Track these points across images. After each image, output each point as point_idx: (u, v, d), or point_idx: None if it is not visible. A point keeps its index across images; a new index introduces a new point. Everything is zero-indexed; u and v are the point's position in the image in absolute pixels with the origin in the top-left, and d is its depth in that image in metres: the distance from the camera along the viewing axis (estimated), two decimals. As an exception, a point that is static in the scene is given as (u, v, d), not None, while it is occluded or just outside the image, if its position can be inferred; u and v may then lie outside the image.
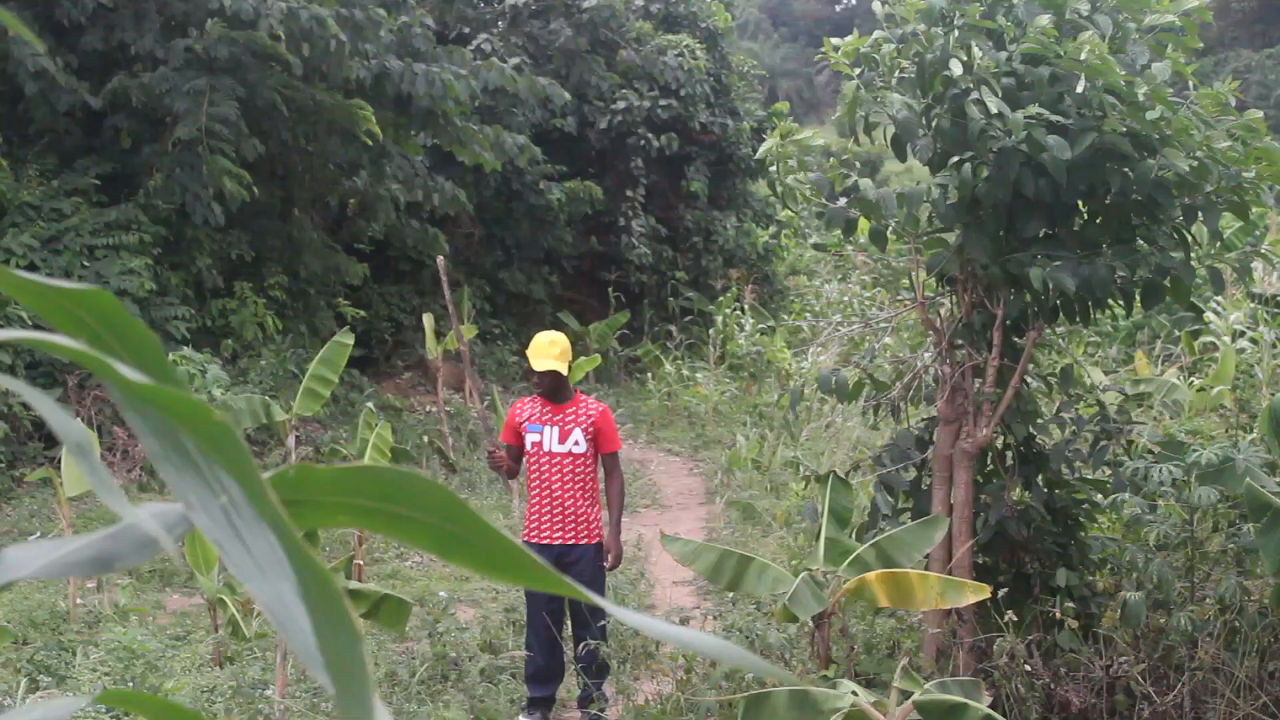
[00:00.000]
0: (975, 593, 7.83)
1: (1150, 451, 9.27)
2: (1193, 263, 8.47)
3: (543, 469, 9.75)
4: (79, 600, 12.83)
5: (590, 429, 9.80)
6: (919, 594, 7.96)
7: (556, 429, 9.76)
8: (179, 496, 1.29)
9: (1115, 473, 8.98)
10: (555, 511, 9.73)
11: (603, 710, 9.65)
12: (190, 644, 11.55)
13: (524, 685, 10.13)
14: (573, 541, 9.72)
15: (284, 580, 1.24)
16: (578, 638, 9.91)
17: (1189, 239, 8.52)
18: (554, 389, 9.77)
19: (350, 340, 15.17)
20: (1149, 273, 8.21)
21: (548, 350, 9.77)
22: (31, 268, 17.76)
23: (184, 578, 12.34)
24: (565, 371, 9.76)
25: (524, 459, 9.88)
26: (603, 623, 9.93)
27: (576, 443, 9.75)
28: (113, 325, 1.28)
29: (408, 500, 1.31)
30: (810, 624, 8.90)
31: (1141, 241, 8.42)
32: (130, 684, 10.08)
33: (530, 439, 9.79)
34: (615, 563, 9.80)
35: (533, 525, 9.79)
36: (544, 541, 9.67)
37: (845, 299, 25.53)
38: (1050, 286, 8.11)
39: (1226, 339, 17.45)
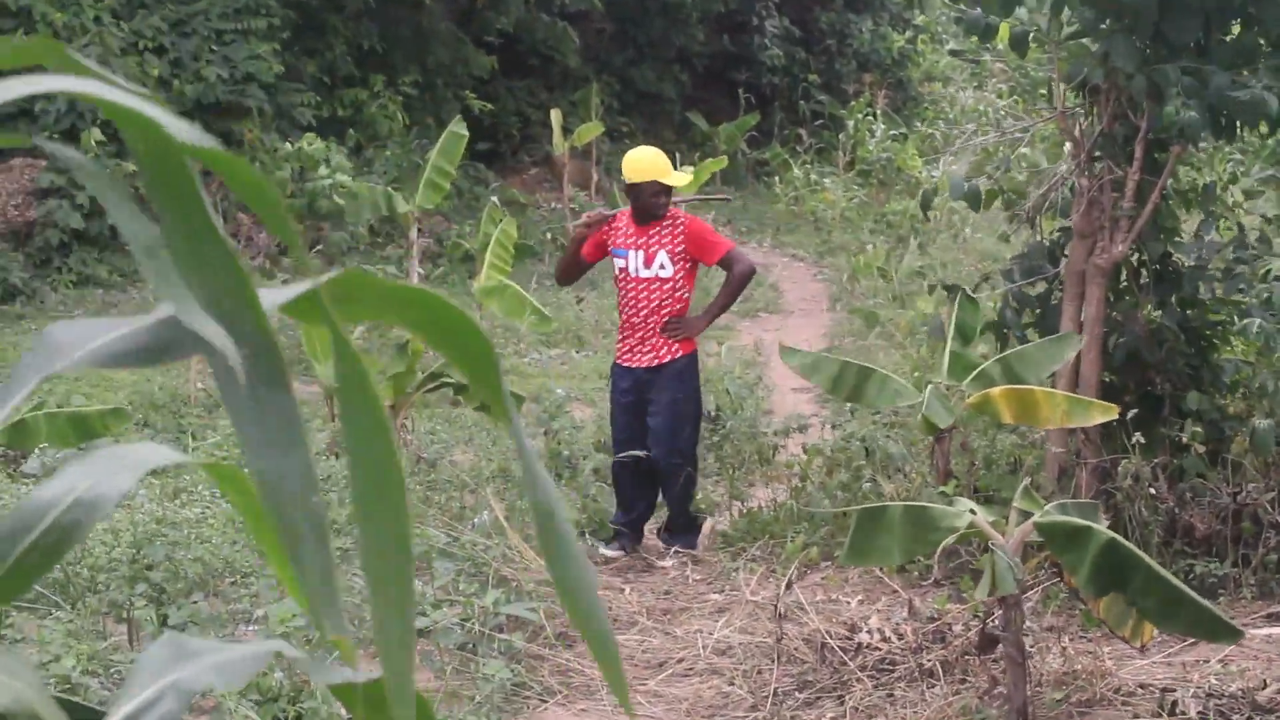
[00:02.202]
0: (1103, 413, 7.63)
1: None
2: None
3: (629, 295, 9.16)
4: (200, 385, 12.92)
5: (678, 248, 9.07)
6: (1044, 411, 7.77)
7: (641, 253, 9.06)
8: (204, 345, 1.23)
9: (1250, 295, 8.69)
10: (641, 337, 9.16)
11: (684, 557, 9.23)
12: (308, 431, 11.59)
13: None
14: (656, 364, 9.15)
15: (284, 455, 1.23)
16: (662, 482, 9.37)
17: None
18: (648, 208, 9.06)
19: (464, 130, 15.03)
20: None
21: (653, 163, 9.12)
22: (160, 50, 17.72)
23: (302, 366, 12.36)
24: (664, 182, 9.04)
25: (615, 279, 9.36)
26: (685, 466, 9.27)
27: (663, 266, 9.05)
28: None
29: (436, 322, 1.33)
30: (931, 438, 8.75)
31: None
32: (245, 470, 10.13)
33: (617, 264, 9.19)
34: (677, 331, 9.12)
35: (621, 348, 9.33)
36: (628, 364, 9.23)
37: (980, 107, 24.94)
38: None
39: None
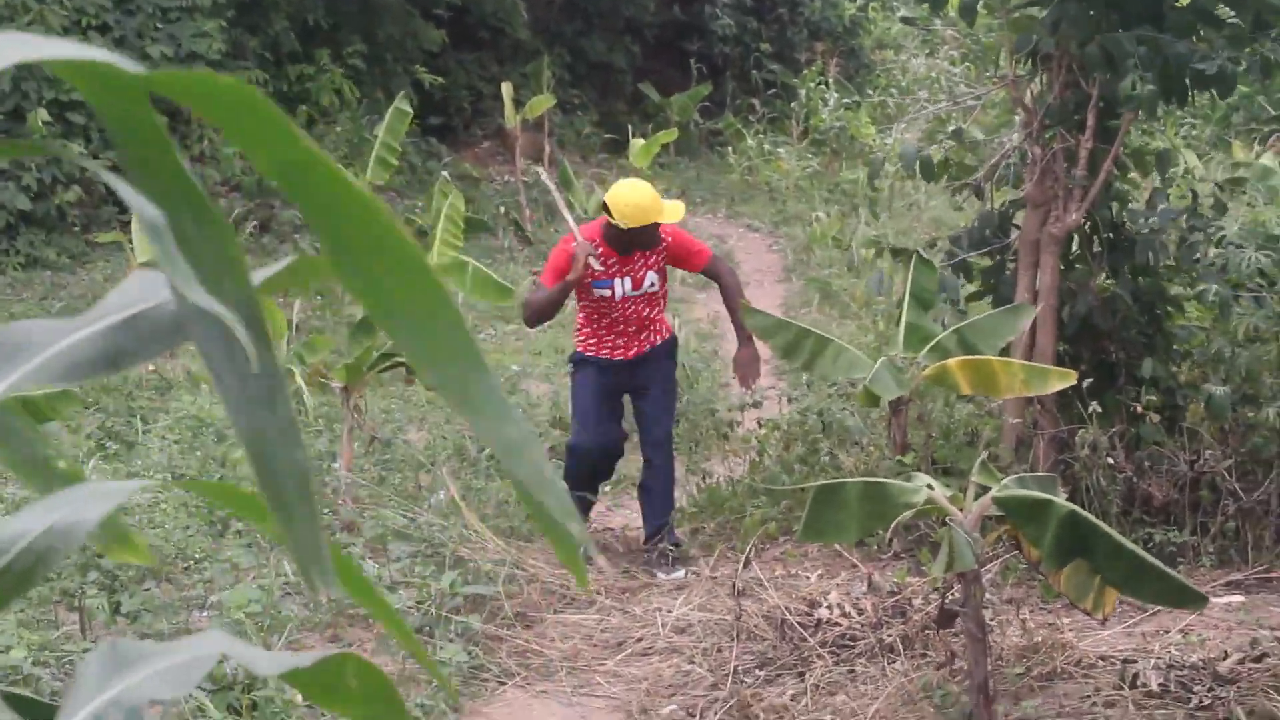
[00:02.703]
0: (1060, 379, 7.61)
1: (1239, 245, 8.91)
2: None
3: (615, 314, 8.67)
4: (150, 367, 12.80)
5: (662, 262, 8.69)
6: (1002, 381, 7.75)
7: (629, 279, 8.61)
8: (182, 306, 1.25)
9: (1202, 263, 8.67)
10: (629, 335, 8.72)
11: (676, 548, 8.76)
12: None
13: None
14: (648, 348, 8.76)
15: (272, 414, 1.23)
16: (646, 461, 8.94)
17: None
18: (645, 244, 8.59)
19: (408, 108, 14.91)
20: (1271, 51, 7.80)
21: (659, 200, 8.56)
22: (104, 29, 17.53)
23: (255, 347, 12.22)
24: (661, 222, 8.57)
25: (582, 300, 8.74)
26: (671, 450, 9.07)
27: (651, 284, 8.65)
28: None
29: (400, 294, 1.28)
30: (888, 409, 8.71)
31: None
32: (197, 453, 10.05)
33: (598, 292, 8.61)
34: (751, 369, 8.82)
35: (595, 342, 8.77)
36: (616, 357, 8.73)
37: (933, 75, 24.94)
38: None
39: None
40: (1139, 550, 5.68)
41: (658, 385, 8.82)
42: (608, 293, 8.57)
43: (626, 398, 8.99)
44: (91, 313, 1.36)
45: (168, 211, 1.17)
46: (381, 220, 1.20)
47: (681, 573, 8.51)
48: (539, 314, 8.68)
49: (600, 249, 8.51)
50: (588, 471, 8.84)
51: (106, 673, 1.59)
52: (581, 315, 8.81)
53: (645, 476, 8.93)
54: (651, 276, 8.62)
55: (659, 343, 8.79)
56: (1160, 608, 7.24)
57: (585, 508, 8.93)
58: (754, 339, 8.72)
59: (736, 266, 17.85)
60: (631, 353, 8.72)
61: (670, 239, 8.67)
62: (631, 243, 8.49)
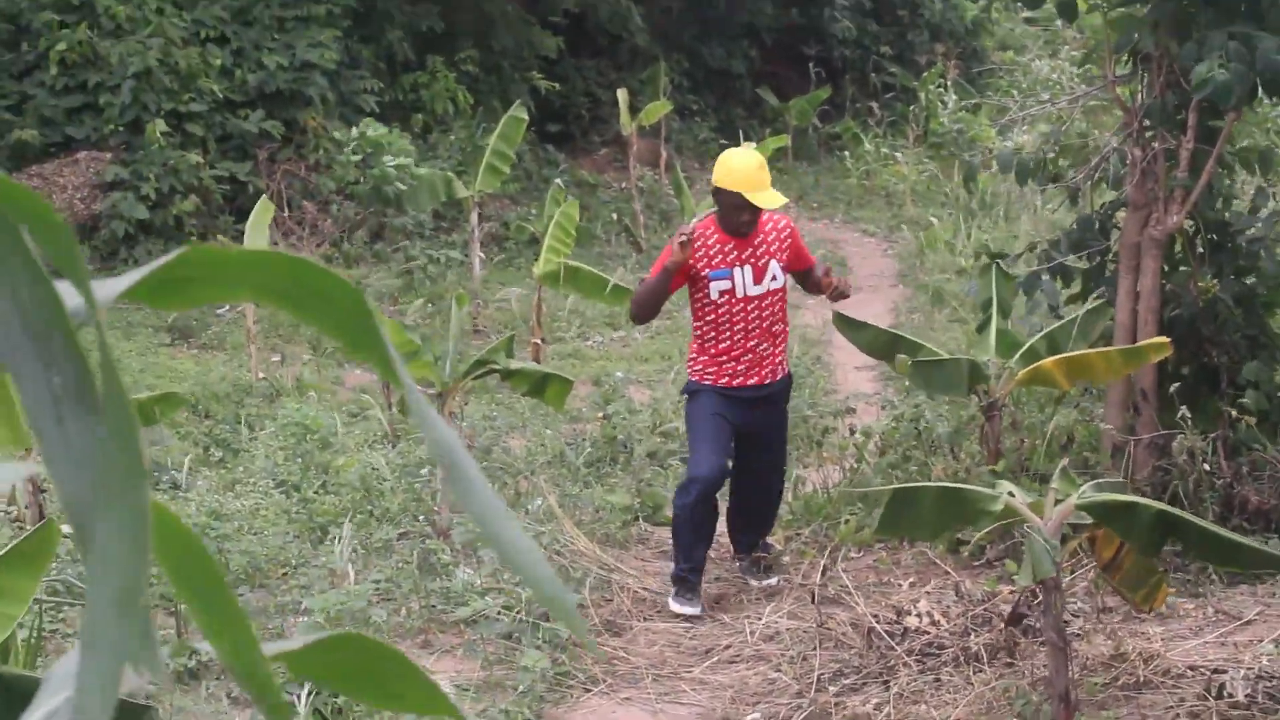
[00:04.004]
0: (1157, 350, 7.51)
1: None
2: None
3: (735, 317, 7.91)
4: (261, 375, 12.96)
5: (786, 253, 7.98)
6: (1099, 368, 7.68)
7: (749, 268, 7.88)
8: (7, 362, 1.17)
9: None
10: (750, 358, 7.94)
11: (769, 565, 8.41)
12: (365, 420, 11.61)
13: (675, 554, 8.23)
14: (769, 380, 8.02)
15: (94, 479, 1.15)
16: (743, 493, 8.40)
17: None
18: (727, 221, 7.89)
19: (524, 115, 14.97)
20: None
21: (762, 175, 7.81)
22: (222, 40, 17.77)
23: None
24: (748, 199, 7.76)
25: (699, 306, 8.00)
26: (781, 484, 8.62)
27: (774, 277, 7.91)
28: None
29: (298, 287, 1.23)
30: (981, 416, 8.63)
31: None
32: (299, 460, 10.15)
33: (717, 287, 7.86)
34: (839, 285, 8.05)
35: (715, 369, 7.98)
36: (736, 385, 7.96)
37: (1054, 76, 24.68)
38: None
39: None
40: (1227, 532, 5.62)
41: (777, 431, 8.28)
42: (727, 284, 7.84)
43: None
44: None
45: None
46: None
47: (775, 579, 8.31)
48: (641, 304, 8.11)
49: (715, 234, 7.88)
50: (704, 509, 8.02)
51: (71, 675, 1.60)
52: (696, 336, 8.07)
53: (750, 497, 8.38)
54: (775, 267, 7.90)
55: (780, 378, 8.10)
56: (1254, 616, 7.13)
57: (706, 540, 8.22)
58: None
59: (849, 272, 17.81)
60: (752, 380, 7.94)
61: (792, 234, 8.09)
62: (721, 212, 7.85)
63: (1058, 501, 5.86)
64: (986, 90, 26.97)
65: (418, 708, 1.60)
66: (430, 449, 1.32)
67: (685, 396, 8.28)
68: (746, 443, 8.13)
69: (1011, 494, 5.90)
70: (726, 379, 7.96)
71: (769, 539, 8.62)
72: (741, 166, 7.78)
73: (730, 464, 8.13)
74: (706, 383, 7.98)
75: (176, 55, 16.92)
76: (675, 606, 8.02)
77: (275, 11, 18.11)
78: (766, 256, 7.91)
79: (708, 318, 7.94)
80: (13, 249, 1.16)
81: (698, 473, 7.91)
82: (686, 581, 8.04)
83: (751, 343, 7.91)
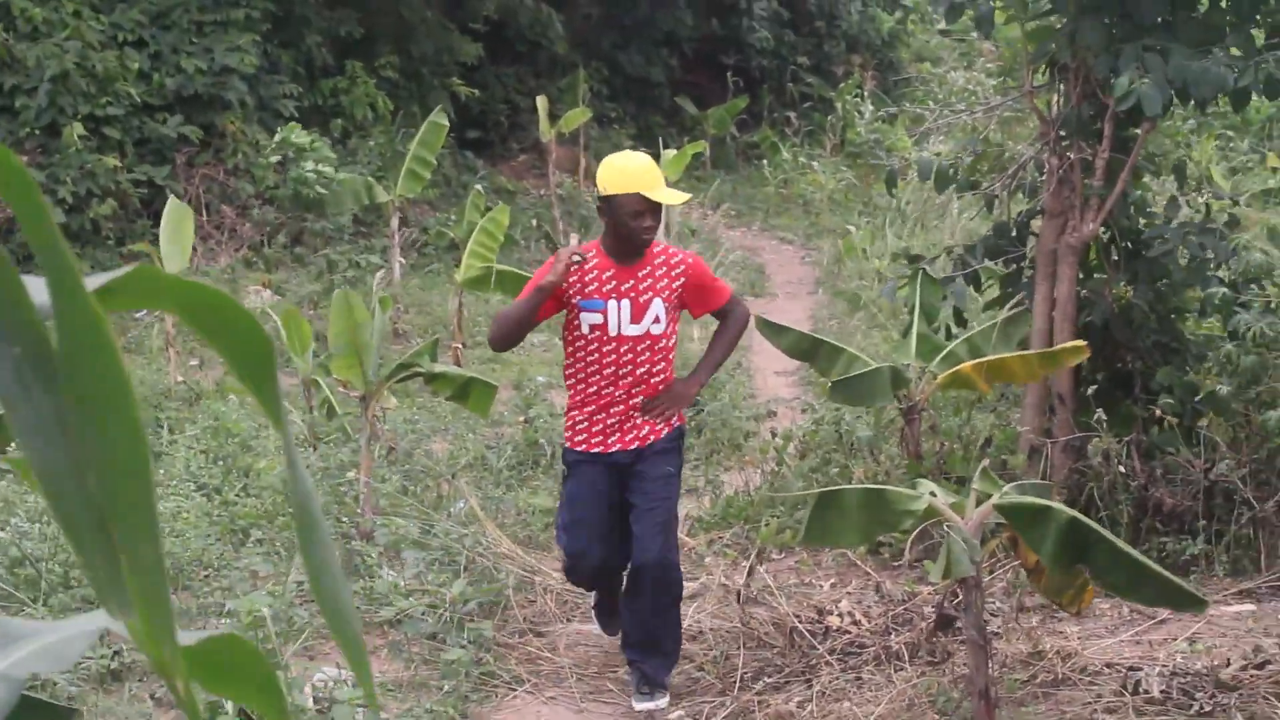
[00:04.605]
0: (1074, 354, 7.64)
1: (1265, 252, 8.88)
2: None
3: (604, 360, 6.75)
4: (179, 378, 12.91)
5: (675, 294, 6.79)
6: (1019, 371, 7.78)
7: (627, 303, 6.69)
8: None
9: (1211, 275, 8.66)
10: (621, 414, 6.80)
11: (655, 705, 6.97)
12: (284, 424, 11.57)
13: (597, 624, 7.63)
14: (638, 445, 6.85)
15: (59, 446, 1.24)
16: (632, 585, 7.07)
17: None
18: (627, 234, 6.69)
19: (445, 121, 15.00)
20: (1275, 66, 7.79)
21: (657, 172, 6.71)
22: (140, 44, 17.67)
23: (282, 360, 12.34)
24: (648, 198, 6.63)
25: (570, 338, 6.85)
26: (679, 576, 7.10)
27: (656, 319, 6.72)
28: None
29: (215, 317, 1.33)
30: (901, 419, 8.73)
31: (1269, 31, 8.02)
32: (220, 463, 10.13)
33: (588, 320, 6.71)
34: (666, 408, 6.82)
35: (583, 429, 6.87)
36: (599, 451, 6.85)
37: (970, 87, 24.93)
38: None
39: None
40: (1138, 554, 5.68)
41: (654, 502, 6.86)
42: (598, 318, 6.70)
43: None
44: None
45: None
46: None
47: (655, 702, 6.97)
48: (503, 327, 6.77)
49: (594, 259, 6.76)
50: (594, 582, 7.35)
51: None
52: (568, 379, 6.94)
53: (629, 613, 7.11)
54: (657, 306, 6.72)
55: (656, 439, 6.86)
56: (1169, 615, 7.26)
57: (607, 611, 7.46)
58: (701, 386, 7.16)
59: (767, 279, 17.88)
60: (623, 443, 6.83)
61: (690, 266, 6.84)
62: (615, 229, 6.66)
63: (979, 502, 5.96)
64: (903, 101, 27.20)
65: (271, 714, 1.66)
66: (290, 493, 1.40)
67: (565, 470, 7.12)
68: (632, 513, 6.94)
69: (933, 494, 6.00)
70: (600, 439, 6.83)
71: (658, 675, 7.06)
72: (633, 165, 6.67)
73: (616, 552, 7.03)
74: (580, 448, 6.87)
75: (94, 59, 16.81)
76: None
77: (194, 16, 18.03)
78: (650, 294, 6.72)
79: (577, 355, 6.79)
80: None
81: (574, 552, 7.08)
82: (601, 605, 7.48)
83: (620, 391, 6.75)
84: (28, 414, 1.23)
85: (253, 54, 18.02)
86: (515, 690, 7.18)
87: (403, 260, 16.06)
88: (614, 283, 6.74)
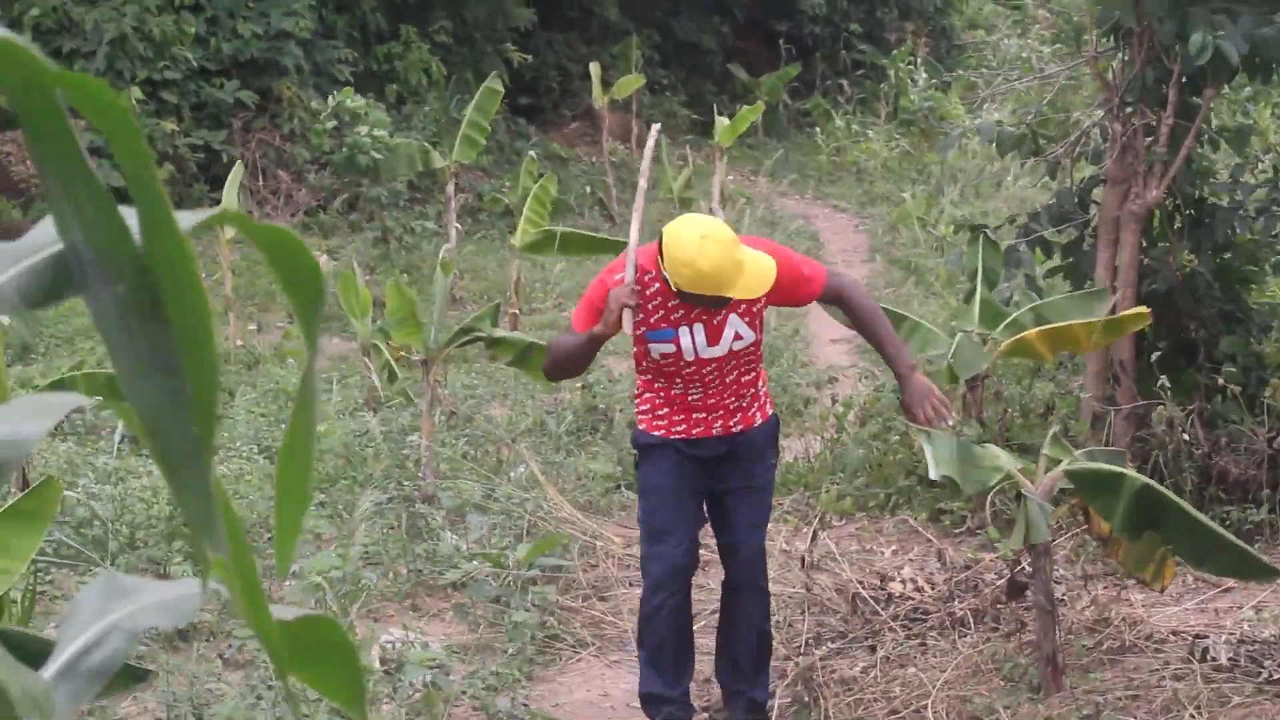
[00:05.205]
0: (1136, 320, 7.63)
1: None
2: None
3: (684, 375, 5.96)
4: (239, 342, 12.98)
5: (759, 304, 5.91)
6: (1081, 339, 7.75)
7: (701, 326, 5.84)
8: (78, 278, 1.29)
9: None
10: (707, 412, 6.05)
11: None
12: (345, 388, 11.65)
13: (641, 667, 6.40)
14: (741, 428, 6.10)
15: (162, 382, 1.24)
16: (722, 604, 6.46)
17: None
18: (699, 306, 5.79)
19: (499, 86, 14.99)
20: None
21: (737, 260, 5.60)
22: (197, 8, 17.71)
23: (341, 323, 12.41)
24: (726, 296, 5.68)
25: (639, 354, 6.04)
26: (765, 570, 6.45)
27: (737, 336, 5.90)
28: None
29: (280, 251, 1.35)
30: (964, 386, 8.72)
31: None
32: (282, 425, 10.19)
33: (658, 349, 5.89)
34: (927, 405, 5.94)
35: (666, 411, 6.08)
36: (698, 435, 6.07)
37: (1024, 55, 24.81)
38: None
39: None
40: (1211, 523, 5.69)
41: (751, 486, 6.20)
42: (670, 348, 5.87)
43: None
44: (24, 243, 1.41)
45: (62, 183, 1.23)
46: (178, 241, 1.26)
47: None
48: (558, 367, 6.10)
49: (656, 283, 5.80)
50: (670, 615, 6.15)
51: (105, 601, 1.66)
52: (643, 376, 6.14)
53: (727, 612, 6.44)
54: (738, 326, 5.89)
55: (757, 424, 6.14)
56: (1234, 583, 7.24)
57: (680, 653, 6.32)
58: (917, 368, 6.21)
59: (822, 247, 17.84)
60: (715, 429, 6.07)
61: (777, 270, 5.74)
62: (690, 298, 5.71)
63: (1049, 468, 5.97)
64: (956, 68, 27.10)
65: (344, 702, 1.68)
66: (299, 393, 1.43)
67: (635, 453, 6.39)
68: (719, 515, 6.29)
69: (1000, 459, 6.01)
70: (683, 429, 6.06)
71: (761, 695, 6.43)
72: (708, 266, 5.54)
73: (698, 547, 6.26)
74: (658, 433, 6.08)
75: (151, 23, 16.87)
76: None
77: (251, -20, 18.08)
78: (725, 311, 5.84)
79: (650, 367, 6.03)
80: (79, 174, 1.24)
81: (654, 571, 6.11)
82: (658, 705, 6.26)
83: (711, 399, 6.01)
84: (130, 352, 1.26)
85: (308, 19, 18.04)
86: (579, 654, 7.23)
87: (458, 226, 16.08)
88: (682, 310, 5.81)
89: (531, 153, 16.00)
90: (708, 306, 5.74)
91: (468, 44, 21.54)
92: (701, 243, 5.55)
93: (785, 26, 27.74)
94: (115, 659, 1.61)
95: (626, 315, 5.67)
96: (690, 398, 6.01)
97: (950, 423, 6.29)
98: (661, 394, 6.05)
